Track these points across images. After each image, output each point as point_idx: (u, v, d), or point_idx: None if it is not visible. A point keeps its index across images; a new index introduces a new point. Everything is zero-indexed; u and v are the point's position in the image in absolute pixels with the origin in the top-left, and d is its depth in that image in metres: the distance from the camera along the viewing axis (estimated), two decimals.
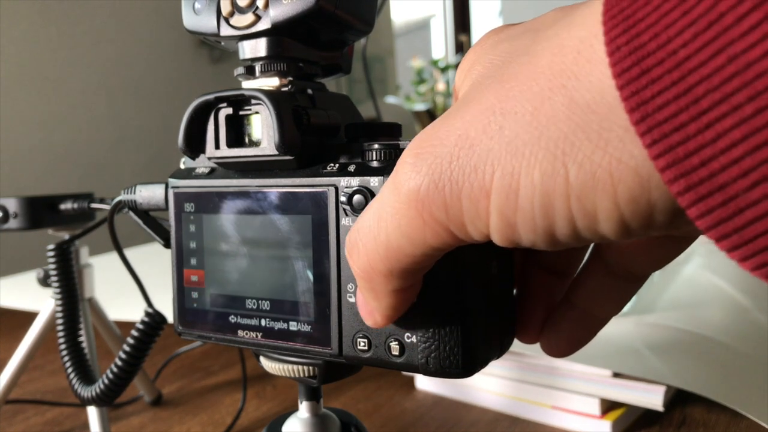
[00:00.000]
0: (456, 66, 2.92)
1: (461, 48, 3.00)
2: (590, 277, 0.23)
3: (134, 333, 0.36)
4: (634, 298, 0.56)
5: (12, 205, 0.46)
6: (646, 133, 0.12)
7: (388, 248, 0.17)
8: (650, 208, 0.13)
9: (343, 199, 0.22)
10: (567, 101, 0.14)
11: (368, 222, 0.17)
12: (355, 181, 0.22)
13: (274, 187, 0.25)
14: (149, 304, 0.36)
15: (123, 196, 0.31)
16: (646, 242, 0.20)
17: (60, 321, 0.43)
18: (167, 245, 0.29)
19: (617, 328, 0.52)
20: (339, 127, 0.25)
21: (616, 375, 0.45)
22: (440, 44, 3.48)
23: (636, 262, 0.22)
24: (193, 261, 0.27)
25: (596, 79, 0.13)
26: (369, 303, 0.19)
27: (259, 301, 0.25)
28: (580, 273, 0.23)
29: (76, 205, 0.46)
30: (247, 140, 0.25)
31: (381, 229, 0.17)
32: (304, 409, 0.30)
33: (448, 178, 0.15)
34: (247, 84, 0.26)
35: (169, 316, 0.32)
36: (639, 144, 0.13)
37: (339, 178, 0.23)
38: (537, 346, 0.24)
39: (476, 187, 0.15)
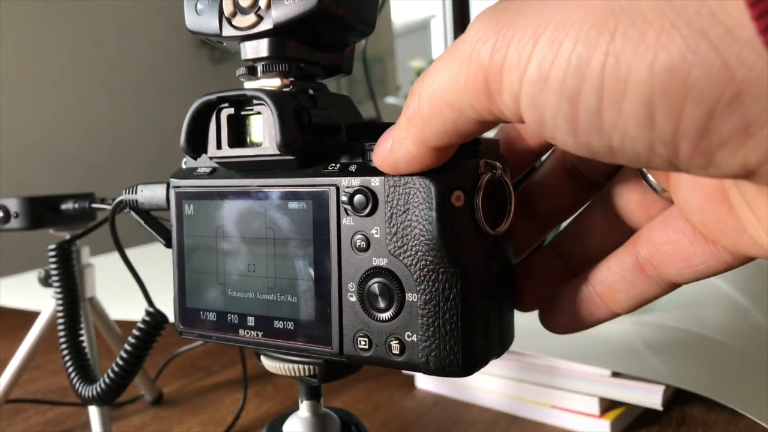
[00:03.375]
0: None
1: None
2: (618, 270, 0.22)
3: (135, 332, 0.36)
4: None
5: (13, 205, 0.46)
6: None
7: (436, 93, 0.18)
8: (687, 89, 0.13)
9: (344, 198, 0.23)
10: None
11: (427, 73, 0.19)
12: (356, 181, 0.23)
13: (276, 187, 0.25)
14: (150, 303, 0.36)
15: (124, 196, 0.31)
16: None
17: (61, 321, 0.43)
18: (168, 245, 0.29)
19: (616, 328, 0.52)
20: (340, 127, 0.26)
21: (616, 374, 0.45)
22: (440, 44, 3.48)
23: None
24: (194, 260, 0.27)
25: None
26: (399, 142, 0.20)
27: (260, 301, 0.25)
28: (604, 260, 0.23)
29: (77, 205, 0.46)
30: (248, 140, 0.25)
31: (434, 78, 0.18)
32: (304, 408, 0.30)
33: (500, 20, 0.16)
34: (249, 84, 0.26)
35: (170, 315, 0.32)
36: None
37: (340, 177, 0.23)
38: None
39: (523, 25, 0.15)
